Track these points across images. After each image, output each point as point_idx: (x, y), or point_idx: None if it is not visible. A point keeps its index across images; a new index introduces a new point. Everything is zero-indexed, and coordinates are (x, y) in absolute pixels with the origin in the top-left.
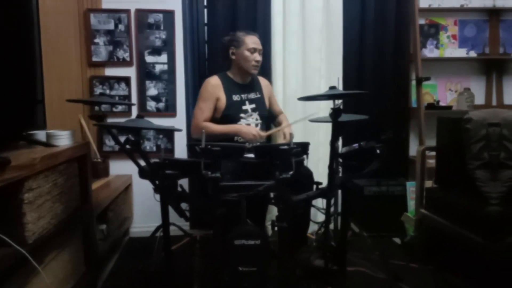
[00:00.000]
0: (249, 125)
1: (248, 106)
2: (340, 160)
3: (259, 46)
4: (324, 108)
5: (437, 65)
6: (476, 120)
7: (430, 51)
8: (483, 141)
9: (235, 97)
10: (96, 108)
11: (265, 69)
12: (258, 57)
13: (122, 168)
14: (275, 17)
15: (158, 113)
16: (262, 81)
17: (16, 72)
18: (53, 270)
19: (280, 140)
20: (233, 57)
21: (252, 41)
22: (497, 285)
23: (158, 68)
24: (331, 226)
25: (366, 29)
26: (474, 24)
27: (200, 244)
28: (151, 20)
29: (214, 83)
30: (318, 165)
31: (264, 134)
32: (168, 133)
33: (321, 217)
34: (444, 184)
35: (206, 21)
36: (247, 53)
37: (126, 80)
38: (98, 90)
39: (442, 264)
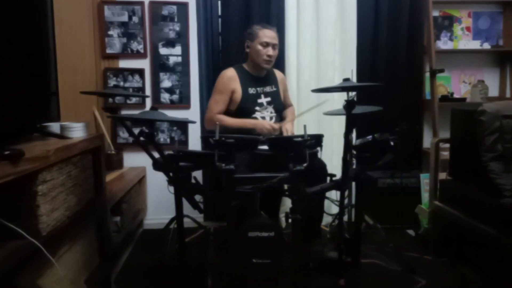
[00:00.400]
0: (264, 118)
1: (263, 100)
2: (354, 152)
3: (273, 41)
4: (338, 100)
5: (451, 57)
6: (490, 112)
7: (444, 43)
8: (497, 133)
9: (251, 90)
10: (110, 100)
11: (279, 61)
12: (270, 51)
13: (136, 160)
14: (289, 9)
15: (172, 105)
16: (278, 74)
17: (30, 64)
18: (67, 262)
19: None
20: (248, 50)
21: (266, 35)
22: (510, 277)
23: (172, 60)
24: (345, 218)
25: (380, 21)
26: (488, 16)
27: (214, 236)
28: (165, 12)
29: (230, 75)
30: (332, 157)
31: (277, 126)
32: (182, 125)
33: (335, 209)
34: (458, 176)
35: (220, 13)
36: (259, 47)
37: (140, 72)
38: (112, 82)
39: (456, 256)
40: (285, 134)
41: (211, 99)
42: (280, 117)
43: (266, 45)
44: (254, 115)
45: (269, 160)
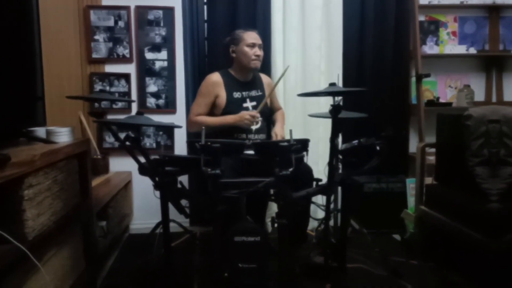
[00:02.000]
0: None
1: (249, 104)
2: (340, 156)
3: (259, 41)
4: (324, 104)
5: (437, 61)
6: (476, 117)
7: (430, 48)
8: (483, 138)
9: (236, 94)
10: (96, 104)
11: (265, 65)
12: (258, 51)
13: (122, 165)
14: (275, 14)
15: (158, 109)
16: (264, 78)
17: (16, 69)
18: (53, 267)
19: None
20: (234, 54)
21: (250, 36)
22: (497, 282)
23: (158, 64)
24: (331, 222)
25: (366, 26)
26: (474, 21)
27: (200, 240)
28: (151, 16)
29: (214, 79)
30: (318, 161)
31: (255, 113)
32: (168, 130)
33: (321, 214)
34: (444, 181)
35: (206, 18)
36: (246, 49)
37: (126, 76)
38: (98, 87)
39: (442, 261)
40: (274, 138)
41: (194, 102)
42: (267, 121)
43: (252, 45)
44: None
45: (255, 165)
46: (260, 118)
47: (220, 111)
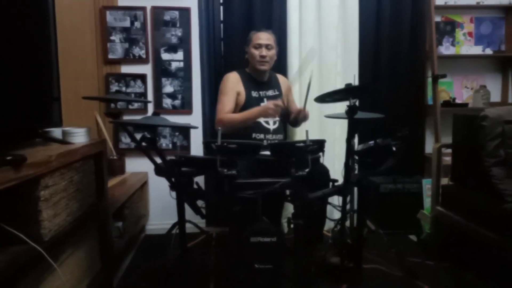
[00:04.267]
0: (267, 123)
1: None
2: (356, 157)
3: (266, 41)
4: (340, 105)
5: (453, 62)
6: (492, 118)
7: (446, 49)
8: (499, 139)
9: (254, 94)
10: (112, 105)
11: (281, 66)
12: (263, 51)
13: (138, 166)
14: (291, 14)
15: (174, 110)
16: (281, 78)
17: (32, 70)
18: (69, 267)
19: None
20: (246, 56)
21: (258, 37)
22: None
23: (174, 65)
24: (347, 223)
25: (382, 26)
26: (490, 21)
27: (216, 241)
28: (167, 17)
29: (233, 77)
30: (334, 162)
31: (280, 102)
32: (184, 131)
33: (337, 215)
34: (460, 182)
35: (222, 18)
36: (252, 50)
37: (142, 77)
38: (114, 88)
39: (458, 261)
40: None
41: (218, 103)
42: (284, 121)
43: (258, 46)
44: (257, 119)
45: (271, 166)
46: (281, 104)
47: (239, 109)
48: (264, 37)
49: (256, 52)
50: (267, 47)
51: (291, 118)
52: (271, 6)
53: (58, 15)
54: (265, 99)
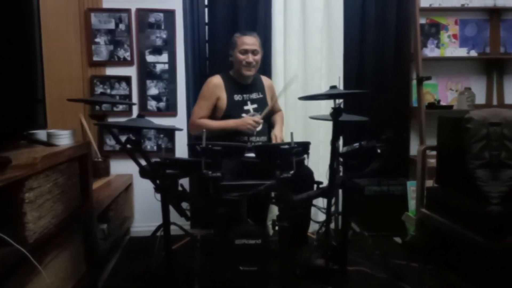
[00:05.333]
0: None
1: (250, 106)
2: (341, 159)
3: (252, 47)
4: (325, 107)
5: (437, 64)
6: (476, 120)
7: (431, 51)
8: (483, 141)
9: (237, 97)
10: (97, 107)
11: (266, 68)
12: (249, 58)
13: (123, 168)
14: (276, 17)
15: (159, 112)
16: (265, 81)
17: (17, 72)
18: (54, 269)
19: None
20: (231, 58)
21: (244, 42)
22: (497, 284)
23: (158, 67)
24: (332, 225)
25: (367, 29)
26: (475, 24)
27: (201, 243)
28: (151, 19)
29: (215, 82)
30: (319, 164)
31: (258, 119)
32: (169, 133)
33: (321, 217)
34: (444, 184)
35: (207, 21)
36: (238, 55)
37: (127, 79)
38: (98, 90)
39: (443, 263)
40: (274, 141)
41: (196, 104)
42: (268, 123)
43: (244, 52)
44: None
45: (256, 168)
46: (261, 121)
47: (221, 113)
48: (250, 42)
49: (242, 57)
50: (253, 52)
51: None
52: (256, 9)
53: (42, 17)
54: (248, 102)
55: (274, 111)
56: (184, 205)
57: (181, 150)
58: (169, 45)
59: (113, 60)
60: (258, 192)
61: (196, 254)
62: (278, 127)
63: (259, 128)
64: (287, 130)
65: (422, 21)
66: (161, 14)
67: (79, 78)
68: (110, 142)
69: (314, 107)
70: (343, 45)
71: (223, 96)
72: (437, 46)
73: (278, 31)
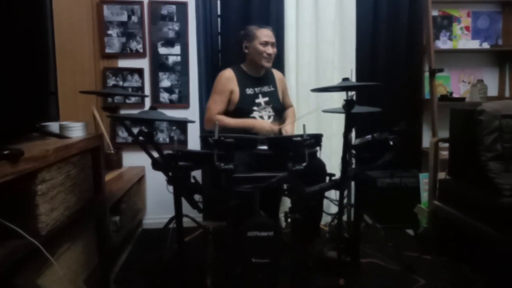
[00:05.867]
0: (262, 118)
1: (261, 99)
2: (353, 151)
3: (272, 39)
4: (337, 99)
5: (450, 56)
6: (489, 112)
7: (443, 43)
8: (496, 133)
9: (249, 90)
10: (109, 99)
11: (278, 61)
12: (270, 49)
13: (135, 160)
14: (288, 9)
15: (171, 104)
16: (276, 74)
17: (29, 64)
18: (66, 261)
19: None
20: (246, 50)
21: (264, 34)
22: (510, 276)
23: (171, 59)
24: (344, 217)
25: (379, 21)
26: (487, 16)
27: (213, 235)
28: (164, 11)
29: (227, 75)
30: (331, 156)
31: (277, 127)
32: (181, 125)
33: (334, 209)
34: (457, 176)
35: (219, 13)
36: (259, 46)
37: (139, 71)
38: (111, 82)
39: (455, 255)
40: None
41: (210, 99)
42: (279, 117)
43: (265, 44)
44: (252, 115)
45: (268, 160)
46: (277, 131)
47: (233, 106)
48: (269, 35)
49: (263, 49)
50: (273, 45)
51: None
52: (269, 1)
53: (55, 10)
54: (260, 95)
55: (285, 106)
56: (197, 197)
57: (194, 142)
58: (181, 37)
59: (126, 52)
60: (271, 184)
61: (209, 246)
62: (288, 121)
63: (271, 114)
64: (300, 122)
65: (435, 13)
66: (174, 6)
67: (92, 70)
68: (122, 134)
69: (326, 100)
70: (355, 38)
71: (236, 89)
72: (450, 38)
73: (290, 24)
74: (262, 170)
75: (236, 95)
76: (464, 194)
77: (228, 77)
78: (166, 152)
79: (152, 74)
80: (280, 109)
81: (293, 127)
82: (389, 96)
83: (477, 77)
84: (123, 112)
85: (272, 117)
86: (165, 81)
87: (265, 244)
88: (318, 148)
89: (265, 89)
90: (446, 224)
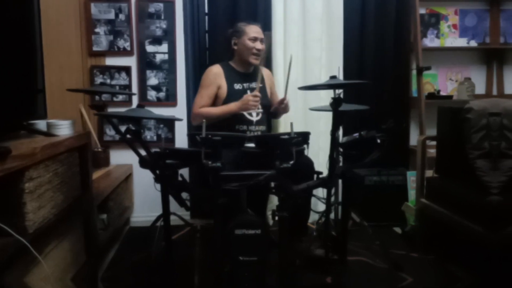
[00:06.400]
0: (250, 114)
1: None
2: (341, 149)
3: (261, 35)
4: (325, 97)
5: (437, 54)
6: (476, 110)
7: (430, 41)
8: (483, 131)
9: (237, 86)
10: (97, 97)
11: (266, 58)
12: (259, 45)
13: (123, 158)
14: (276, 6)
15: (159, 102)
16: (264, 71)
17: (17, 62)
18: (54, 259)
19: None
20: (235, 47)
21: (253, 30)
22: (497, 274)
23: (158, 57)
24: (332, 215)
25: (367, 18)
26: (474, 14)
27: (201, 233)
28: (151, 9)
29: (215, 71)
30: (319, 154)
31: (256, 92)
32: (169, 123)
33: (321, 207)
34: (444, 174)
35: (206, 11)
36: (248, 42)
37: (127, 69)
38: (98, 80)
39: (443, 253)
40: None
41: (197, 94)
42: (267, 113)
43: (254, 39)
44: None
45: (256, 158)
46: (259, 94)
47: (221, 102)
48: (258, 31)
49: (252, 45)
50: (261, 41)
51: (272, 109)
52: None
53: (42, 7)
54: (248, 91)
55: (272, 104)
56: (184, 195)
57: (181, 140)
58: (169, 35)
59: (113, 50)
60: (258, 182)
61: (196, 245)
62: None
63: (262, 128)
64: (287, 120)
65: (422, 11)
66: (161, 4)
67: (79, 68)
68: (110, 132)
69: (313, 97)
70: (343, 35)
71: (224, 84)
72: (437, 36)
73: (278, 20)
74: (249, 168)
75: (224, 91)
76: (451, 192)
77: (216, 73)
78: (153, 150)
79: (140, 72)
80: (268, 105)
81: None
82: (377, 94)
83: (465, 75)
84: (110, 110)
85: (260, 114)
86: (153, 79)
87: (253, 242)
88: (305, 146)
89: (254, 85)
90: (433, 222)
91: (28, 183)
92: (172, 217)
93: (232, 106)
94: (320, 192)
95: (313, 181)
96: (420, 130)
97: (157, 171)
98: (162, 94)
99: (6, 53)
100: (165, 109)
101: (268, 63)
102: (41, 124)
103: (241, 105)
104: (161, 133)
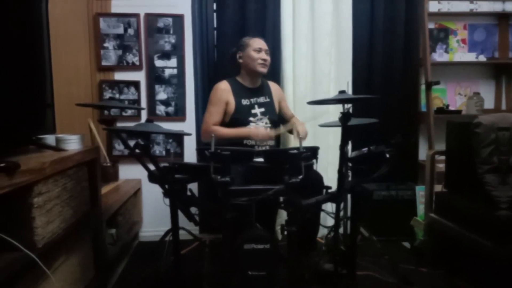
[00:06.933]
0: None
1: (257, 110)
2: (350, 164)
3: (265, 47)
4: (334, 112)
5: (446, 69)
6: (485, 125)
7: (439, 55)
8: (492, 145)
9: (244, 101)
10: (106, 112)
11: (275, 72)
12: (264, 55)
13: (132, 173)
14: (285, 21)
15: (168, 117)
16: (272, 85)
17: (26, 76)
18: (63, 274)
19: (294, 137)
20: (241, 60)
21: (257, 42)
22: None
23: (167, 72)
24: (341, 230)
25: (376, 33)
26: (483, 28)
27: (210, 248)
28: (160, 24)
29: (223, 87)
30: (328, 169)
31: (273, 133)
32: (178, 137)
33: (330, 221)
34: (453, 189)
35: (215, 26)
36: (253, 53)
37: (136, 84)
38: (107, 94)
39: (452, 268)
40: (301, 135)
41: (206, 112)
42: (275, 128)
43: (259, 50)
44: (248, 126)
45: (265, 172)
46: (273, 137)
47: (229, 117)
48: (262, 43)
49: (257, 55)
50: (266, 52)
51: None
52: (265, 13)
53: (51, 22)
54: (256, 106)
55: (286, 118)
56: (193, 210)
57: (190, 154)
58: (177, 50)
59: (122, 65)
60: (267, 197)
61: (205, 259)
62: (298, 123)
63: (270, 142)
64: (296, 135)
65: (431, 25)
66: (170, 19)
67: (88, 83)
68: (118, 147)
69: (323, 112)
70: (351, 49)
71: (232, 100)
72: (446, 51)
73: (287, 35)
74: (258, 182)
75: (232, 106)
76: (460, 207)
77: (223, 89)
78: (162, 164)
79: (149, 87)
80: (276, 120)
81: (303, 126)
82: (386, 108)
83: (474, 90)
84: (119, 124)
85: (268, 129)
86: (162, 94)
87: (262, 256)
88: (314, 160)
89: (261, 99)
90: (442, 237)
91: (37, 198)
92: (181, 232)
93: (243, 132)
94: (329, 206)
95: (322, 196)
96: (429, 144)
97: (166, 186)
98: (171, 109)
99: (15, 67)
100: (174, 123)
101: (277, 78)
102: (50, 139)
103: (251, 135)
104: (170, 148)
